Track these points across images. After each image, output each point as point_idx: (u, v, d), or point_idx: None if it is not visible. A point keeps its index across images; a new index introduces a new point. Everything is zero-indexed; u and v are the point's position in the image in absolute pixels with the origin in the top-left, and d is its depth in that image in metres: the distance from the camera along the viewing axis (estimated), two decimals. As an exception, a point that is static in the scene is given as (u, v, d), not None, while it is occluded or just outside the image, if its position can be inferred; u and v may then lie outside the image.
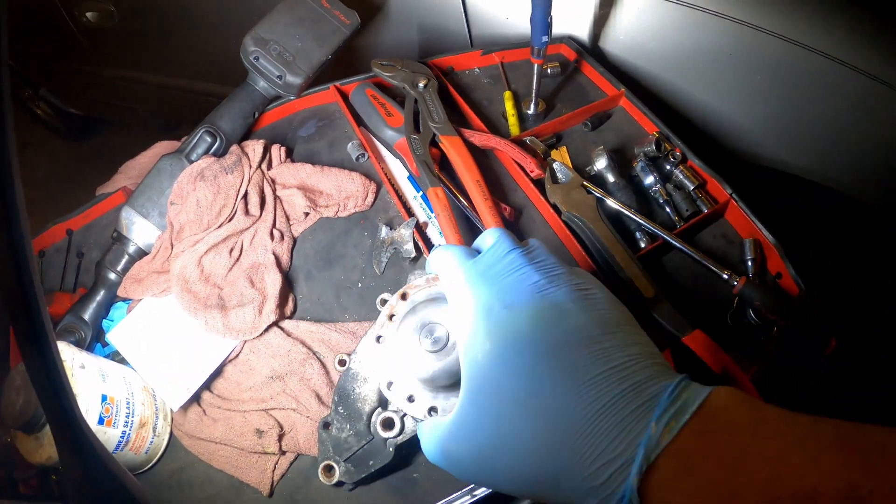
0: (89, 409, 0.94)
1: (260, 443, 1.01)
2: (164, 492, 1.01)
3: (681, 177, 1.18)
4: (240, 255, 1.14)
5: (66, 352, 0.98)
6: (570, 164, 1.21)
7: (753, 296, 1.00)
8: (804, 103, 1.35)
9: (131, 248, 1.19)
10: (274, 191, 1.20)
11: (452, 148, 1.14)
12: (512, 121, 1.31)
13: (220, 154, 1.23)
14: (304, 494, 0.98)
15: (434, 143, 1.18)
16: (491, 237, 0.65)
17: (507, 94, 1.34)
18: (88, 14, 2.07)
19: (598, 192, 1.12)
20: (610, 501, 0.46)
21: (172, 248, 1.15)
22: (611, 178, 1.17)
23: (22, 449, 0.86)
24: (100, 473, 0.63)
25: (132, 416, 1.01)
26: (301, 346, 1.06)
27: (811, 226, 1.50)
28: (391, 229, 1.13)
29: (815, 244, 1.49)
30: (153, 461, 1.04)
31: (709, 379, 0.77)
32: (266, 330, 1.07)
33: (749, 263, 1.11)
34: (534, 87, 1.28)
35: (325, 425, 0.92)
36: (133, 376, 1.06)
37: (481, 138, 1.19)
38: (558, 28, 1.43)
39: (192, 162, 1.21)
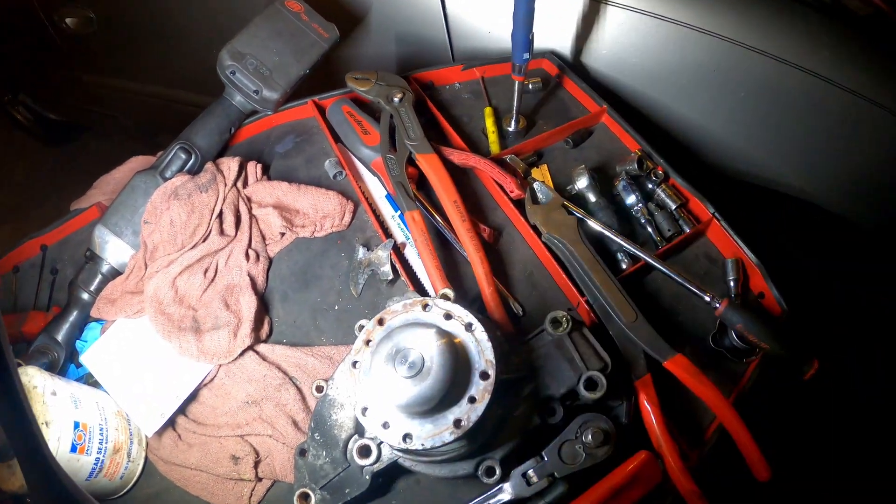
0: (62, 437, 0.92)
1: (236, 469, 1.00)
2: (139, 518, 0.99)
3: (663, 196, 1.18)
4: (214, 275, 1.12)
5: (38, 378, 0.96)
6: (550, 183, 1.20)
7: (735, 319, 0.99)
8: (788, 119, 1.35)
9: (104, 268, 1.17)
10: (249, 209, 1.18)
11: (429, 167, 1.13)
12: (492, 138, 1.29)
13: (194, 171, 1.21)
14: (281, 522, 0.96)
15: (411, 160, 1.17)
16: None
17: (488, 110, 1.33)
18: (68, 20, 2.04)
19: (579, 213, 1.11)
20: None
21: (146, 268, 1.13)
22: (592, 197, 1.16)
23: (-5, 477, 0.84)
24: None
25: (106, 442, 0.99)
26: (277, 371, 1.04)
27: (794, 240, 1.50)
28: (368, 250, 1.12)
29: (798, 258, 1.50)
30: (128, 486, 1.02)
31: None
32: (241, 354, 1.05)
33: (731, 284, 1.10)
34: (514, 105, 1.27)
35: (302, 452, 0.91)
36: (107, 401, 1.04)
37: (460, 157, 1.18)
38: (541, 43, 1.42)
39: (166, 179, 1.19)
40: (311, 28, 1.29)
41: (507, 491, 0.81)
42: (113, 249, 1.16)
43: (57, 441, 0.92)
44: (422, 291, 1.08)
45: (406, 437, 0.73)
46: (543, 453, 0.81)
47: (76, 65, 2.26)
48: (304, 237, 1.19)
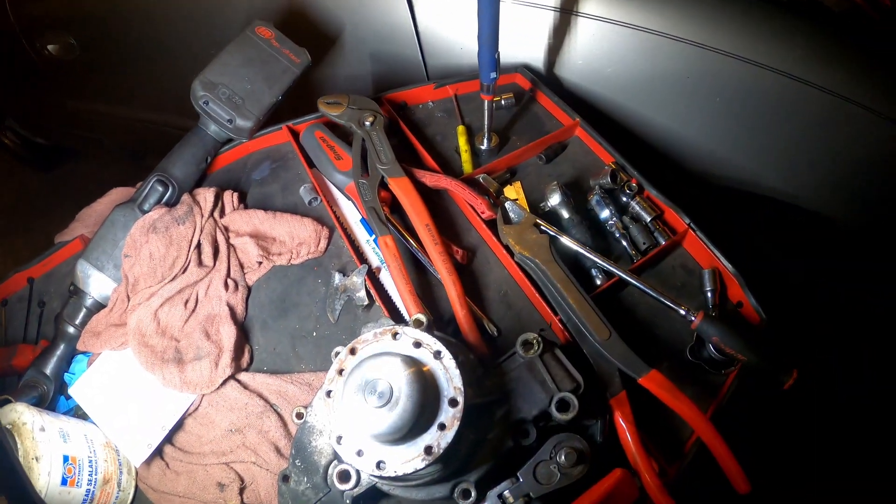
0: (52, 471, 0.95)
1: (222, 496, 1.02)
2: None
3: (637, 208, 1.18)
4: (195, 306, 1.13)
5: (27, 414, 0.98)
6: (524, 201, 1.20)
7: (711, 332, 0.98)
8: (763, 121, 1.35)
9: (88, 302, 1.18)
10: (227, 239, 1.20)
11: (401, 190, 1.13)
12: (465, 157, 1.30)
13: (172, 203, 1.23)
14: (266, 549, 0.98)
15: (384, 184, 1.18)
16: None
17: (461, 128, 1.34)
18: (50, 46, 2.06)
19: (551, 231, 1.11)
20: None
21: (129, 301, 1.14)
22: (565, 213, 1.16)
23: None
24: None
25: (95, 474, 1.01)
26: (258, 399, 1.06)
27: (773, 241, 1.50)
28: (344, 276, 1.13)
29: (777, 260, 1.50)
30: (119, 516, 1.04)
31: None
32: (223, 383, 1.07)
33: (709, 295, 1.10)
34: (485, 123, 1.27)
35: (285, 478, 0.92)
36: (95, 433, 1.06)
37: (432, 179, 1.18)
38: (513, 57, 1.43)
39: (144, 212, 1.20)
40: (283, 54, 1.30)
41: (484, 512, 0.82)
42: (96, 283, 1.18)
43: (47, 475, 0.94)
44: (397, 316, 1.09)
45: (380, 464, 0.74)
46: (519, 474, 0.82)
47: (61, 90, 2.27)
48: (282, 265, 1.21)
